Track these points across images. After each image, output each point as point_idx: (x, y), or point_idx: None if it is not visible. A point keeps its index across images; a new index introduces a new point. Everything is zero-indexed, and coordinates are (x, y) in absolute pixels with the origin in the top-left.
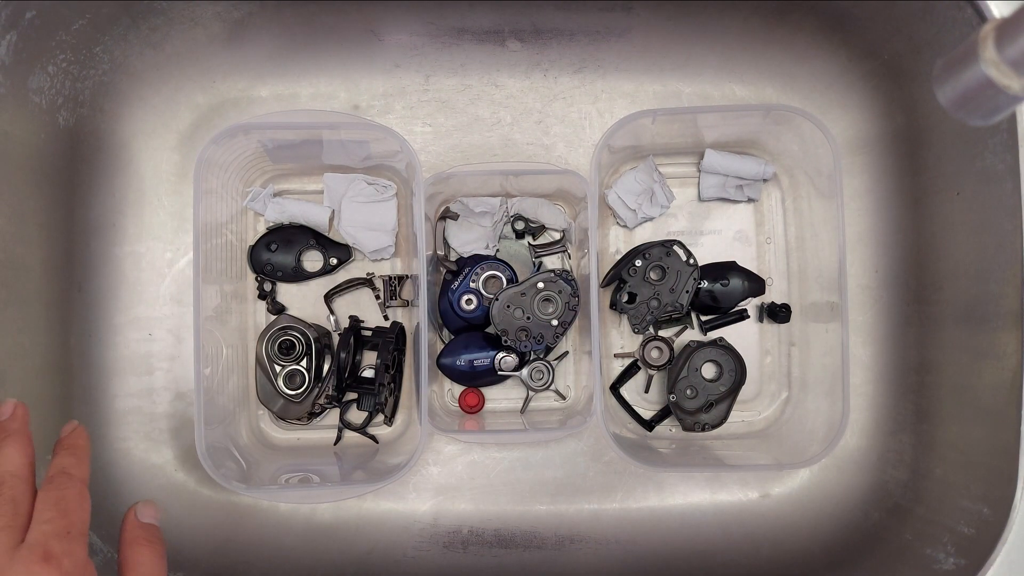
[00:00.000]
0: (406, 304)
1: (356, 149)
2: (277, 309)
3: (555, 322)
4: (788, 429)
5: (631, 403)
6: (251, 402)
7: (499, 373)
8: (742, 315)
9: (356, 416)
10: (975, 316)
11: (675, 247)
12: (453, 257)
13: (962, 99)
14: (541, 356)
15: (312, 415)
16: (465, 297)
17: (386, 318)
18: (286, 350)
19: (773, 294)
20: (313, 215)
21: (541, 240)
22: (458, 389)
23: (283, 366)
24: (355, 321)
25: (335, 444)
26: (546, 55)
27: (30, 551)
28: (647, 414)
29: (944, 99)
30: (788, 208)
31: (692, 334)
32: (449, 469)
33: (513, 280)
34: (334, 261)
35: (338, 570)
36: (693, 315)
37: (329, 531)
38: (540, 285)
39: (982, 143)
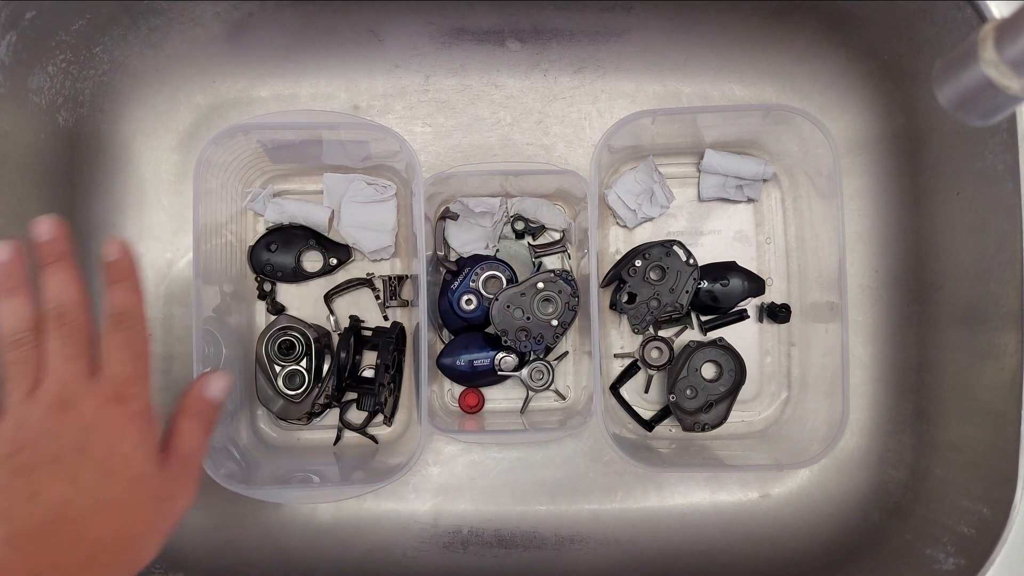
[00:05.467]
0: (406, 304)
1: (356, 149)
2: (277, 309)
3: (555, 322)
4: (788, 429)
5: (631, 403)
6: (251, 402)
7: (499, 373)
8: (742, 315)
9: (356, 416)
10: (975, 316)
11: (675, 247)
12: (453, 257)
13: (962, 99)
14: (541, 356)
15: (312, 415)
16: (465, 297)
17: (386, 318)
18: (286, 350)
19: (773, 294)
20: (313, 215)
21: (541, 240)
22: (458, 389)
23: (283, 366)
24: (355, 321)
25: (335, 444)
26: (546, 55)
27: (104, 388)
28: (647, 414)
29: (944, 99)
30: (788, 208)
31: (692, 334)
32: (449, 469)
33: (513, 280)
34: (334, 261)
35: (338, 570)
36: (693, 315)
37: (329, 531)
38: (540, 285)
39: (982, 143)
